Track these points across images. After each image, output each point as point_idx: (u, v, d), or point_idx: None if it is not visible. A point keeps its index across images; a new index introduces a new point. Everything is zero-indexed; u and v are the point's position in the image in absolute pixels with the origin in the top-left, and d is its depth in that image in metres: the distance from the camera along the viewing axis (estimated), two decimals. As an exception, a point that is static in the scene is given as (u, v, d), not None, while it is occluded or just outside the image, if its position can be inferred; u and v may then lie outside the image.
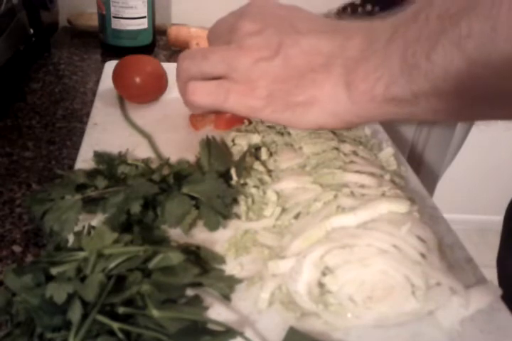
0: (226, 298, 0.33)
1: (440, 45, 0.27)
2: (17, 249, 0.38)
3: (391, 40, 0.31)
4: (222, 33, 0.40)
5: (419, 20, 0.29)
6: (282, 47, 0.36)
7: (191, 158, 0.45)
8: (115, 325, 0.28)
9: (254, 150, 0.45)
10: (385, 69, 0.31)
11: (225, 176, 0.41)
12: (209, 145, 0.44)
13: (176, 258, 0.32)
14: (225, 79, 0.38)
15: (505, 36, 0.24)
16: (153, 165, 0.43)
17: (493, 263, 0.65)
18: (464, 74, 0.27)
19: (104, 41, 0.74)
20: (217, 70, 0.38)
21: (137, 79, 0.54)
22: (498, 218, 0.66)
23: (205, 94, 0.38)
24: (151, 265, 0.32)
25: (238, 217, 0.40)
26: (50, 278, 0.30)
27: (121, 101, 0.56)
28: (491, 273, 0.54)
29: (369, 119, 0.35)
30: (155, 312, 0.29)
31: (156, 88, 0.57)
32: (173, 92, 0.57)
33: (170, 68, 0.54)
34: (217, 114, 0.51)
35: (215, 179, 0.40)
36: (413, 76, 0.29)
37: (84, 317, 0.28)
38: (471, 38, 0.25)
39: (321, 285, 0.32)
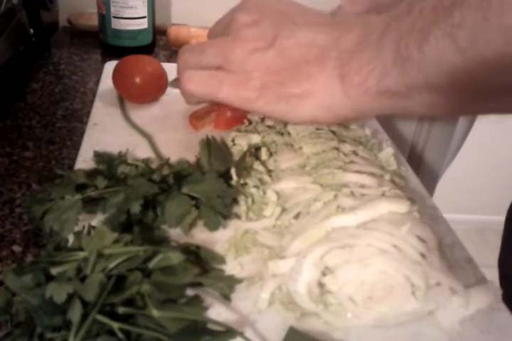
0: (226, 298, 0.33)
1: (432, 35, 0.27)
2: (17, 249, 0.38)
3: (385, 32, 0.31)
4: (220, 29, 0.40)
5: (413, 12, 0.29)
6: (278, 38, 0.36)
7: (191, 158, 0.45)
8: (115, 325, 0.28)
9: (254, 150, 0.45)
10: (378, 61, 0.31)
11: (225, 176, 0.41)
12: (209, 145, 0.44)
13: (175, 258, 0.32)
14: (221, 69, 0.38)
15: (496, 27, 0.24)
16: (153, 165, 0.43)
17: (493, 263, 0.65)
18: (456, 66, 0.27)
19: (104, 41, 0.74)
20: (214, 62, 0.38)
21: (137, 79, 0.54)
22: (498, 218, 0.66)
23: (199, 83, 0.38)
24: (151, 265, 0.32)
25: (238, 217, 0.40)
26: (50, 278, 0.30)
27: (121, 101, 0.56)
28: (491, 273, 0.54)
29: (363, 113, 0.35)
30: (155, 312, 0.29)
31: (156, 88, 0.57)
32: (173, 92, 0.57)
33: (170, 68, 0.54)
34: (216, 113, 0.51)
35: (215, 179, 0.40)
36: (406, 68, 0.29)
37: (84, 317, 0.28)
38: (463, 28, 0.25)
39: (321, 285, 0.32)
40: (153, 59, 0.57)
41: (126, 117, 0.54)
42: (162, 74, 0.56)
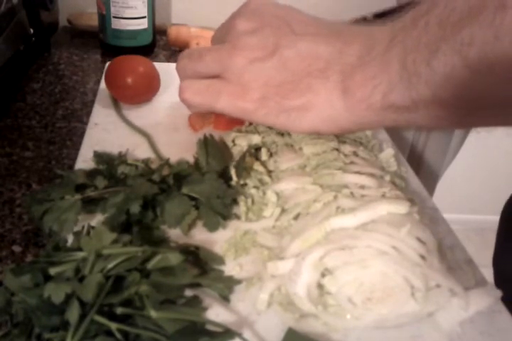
0: (225, 298, 0.33)
1: (441, 52, 0.26)
2: (17, 249, 0.38)
3: (390, 46, 0.30)
4: (222, 35, 0.39)
5: (419, 26, 0.28)
6: (278, 48, 0.35)
7: (191, 158, 0.45)
8: (113, 326, 0.28)
9: (255, 151, 0.45)
10: (383, 76, 0.30)
11: (224, 175, 0.41)
12: (206, 144, 0.44)
13: (175, 258, 0.32)
14: (219, 78, 0.37)
15: (508, 44, 0.24)
16: (153, 166, 0.43)
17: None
18: (465, 82, 0.26)
19: (104, 41, 0.74)
20: (212, 70, 0.38)
21: (129, 80, 0.53)
22: (498, 218, 0.66)
23: (196, 94, 0.38)
24: (150, 265, 0.32)
25: (238, 217, 0.40)
26: (48, 278, 0.30)
27: (115, 102, 0.56)
28: (491, 273, 0.54)
29: (366, 126, 0.34)
30: (153, 313, 0.28)
31: (147, 89, 0.56)
32: (173, 92, 0.57)
33: (169, 68, 0.54)
34: (216, 114, 0.51)
35: (215, 179, 0.40)
36: (413, 83, 0.29)
37: (82, 317, 0.28)
38: (473, 46, 0.25)
39: (320, 286, 0.32)
40: (145, 59, 0.56)
41: (123, 118, 0.53)
42: (154, 75, 0.55)
